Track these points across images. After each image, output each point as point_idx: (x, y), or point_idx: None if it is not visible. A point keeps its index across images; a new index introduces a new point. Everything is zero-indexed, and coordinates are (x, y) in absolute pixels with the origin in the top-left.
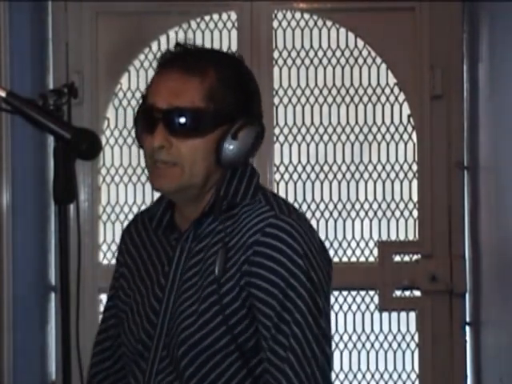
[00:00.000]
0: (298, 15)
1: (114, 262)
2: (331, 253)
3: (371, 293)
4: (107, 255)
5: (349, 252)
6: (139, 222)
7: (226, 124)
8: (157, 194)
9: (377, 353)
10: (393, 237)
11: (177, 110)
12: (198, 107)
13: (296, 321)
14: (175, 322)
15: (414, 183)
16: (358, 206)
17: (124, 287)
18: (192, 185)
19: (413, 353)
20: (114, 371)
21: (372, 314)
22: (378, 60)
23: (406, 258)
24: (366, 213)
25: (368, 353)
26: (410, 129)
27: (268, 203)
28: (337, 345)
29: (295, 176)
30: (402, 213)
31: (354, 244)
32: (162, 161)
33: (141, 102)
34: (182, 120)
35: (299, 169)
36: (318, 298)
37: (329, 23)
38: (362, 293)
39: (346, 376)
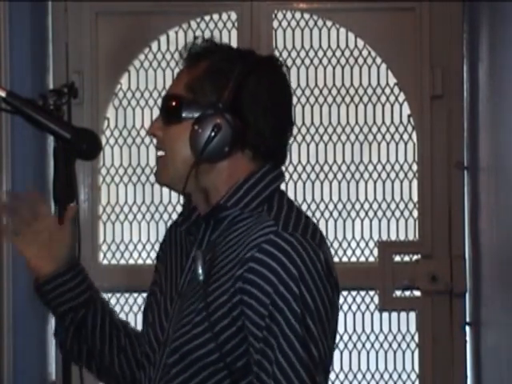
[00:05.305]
0: (298, 15)
1: (113, 262)
2: (331, 252)
3: (371, 293)
4: (107, 255)
5: (349, 252)
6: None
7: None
8: (156, 194)
9: (377, 353)
10: (393, 237)
11: (164, 97)
12: (175, 94)
13: (280, 347)
14: (174, 328)
15: (414, 183)
16: (358, 206)
17: (157, 283)
18: (175, 176)
19: (413, 353)
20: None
21: (372, 314)
22: (378, 60)
23: (406, 258)
24: (366, 213)
25: (368, 353)
26: (410, 129)
27: (275, 216)
28: (337, 345)
29: (295, 176)
30: (402, 213)
31: (354, 244)
32: (157, 149)
33: None
34: (164, 106)
35: (299, 169)
36: (311, 324)
37: (329, 23)
38: (362, 293)
39: (346, 376)
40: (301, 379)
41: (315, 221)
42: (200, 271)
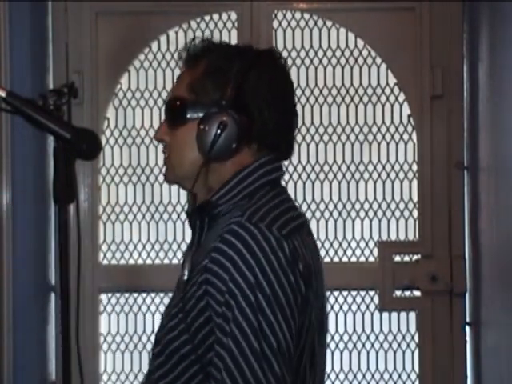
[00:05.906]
0: (298, 15)
1: (113, 262)
2: (331, 253)
3: (371, 293)
4: (107, 255)
5: (349, 252)
6: None
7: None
8: (156, 194)
9: (377, 353)
10: (393, 237)
11: (167, 100)
12: (178, 96)
13: (232, 333)
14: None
15: (414, 183)
16: (358, 206)
17: None
18: (183, 177)
19: (413, 353)
20: None
21: (372, 314)
22: (378, 60)
23: (406, 258)
24: (366, 213)
25: (368, 353)
26: (410, 129)
27: (246, 208)
28: (337, 345)
29: (295, 176)
30: (402, 213)
31: (354, 244)
32: (164, 153)
33: None
34: (168, 109)
35: (299, 169)
36: (269, 313)
37: (329, 23)
38: (362, 293)
39: (346, 376)
40: (251, 368)
41: (315, 221)
42: (185, 271)
